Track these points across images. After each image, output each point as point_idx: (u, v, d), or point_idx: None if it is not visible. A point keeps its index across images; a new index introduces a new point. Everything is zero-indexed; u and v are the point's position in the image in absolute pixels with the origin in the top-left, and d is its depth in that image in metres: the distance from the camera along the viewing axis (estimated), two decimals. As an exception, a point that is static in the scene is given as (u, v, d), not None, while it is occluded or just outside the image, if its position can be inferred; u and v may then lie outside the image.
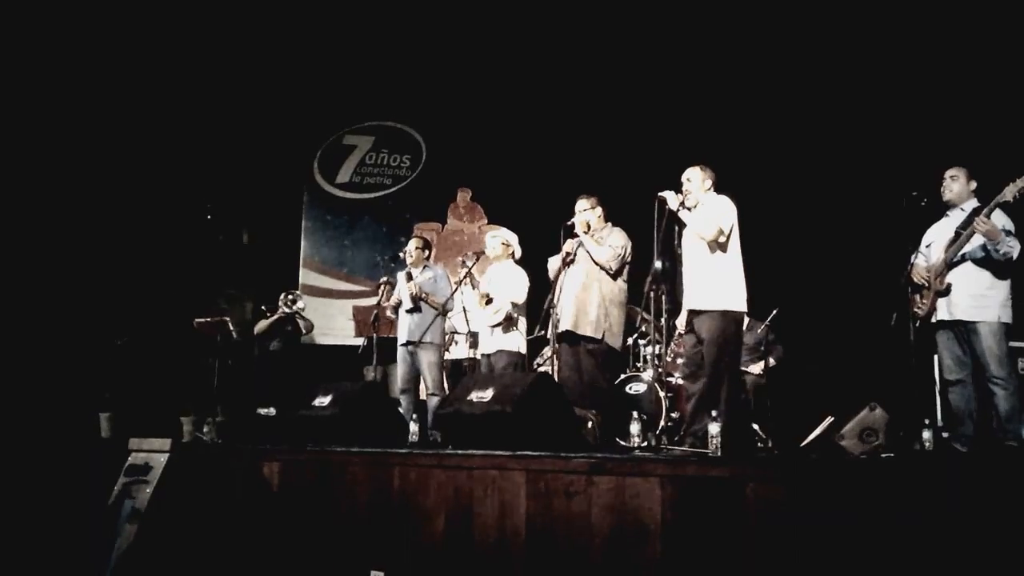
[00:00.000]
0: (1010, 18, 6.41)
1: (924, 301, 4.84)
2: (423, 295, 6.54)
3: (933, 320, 4.82)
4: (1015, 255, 4.57)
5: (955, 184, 4.86)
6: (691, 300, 4.92)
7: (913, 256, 4.96)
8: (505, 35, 8.68)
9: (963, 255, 4.71)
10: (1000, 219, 4.63)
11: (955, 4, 6.68)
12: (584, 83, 8.74)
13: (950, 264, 4.74)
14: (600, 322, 5.36)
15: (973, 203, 4.81)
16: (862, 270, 6.54)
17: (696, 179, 5.03)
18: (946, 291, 4.73)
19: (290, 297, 8.45)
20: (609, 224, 5.61)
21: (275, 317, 8.41)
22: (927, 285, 4.83)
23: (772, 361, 6.60)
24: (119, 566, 4.21)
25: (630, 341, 6.61)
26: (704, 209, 4.95)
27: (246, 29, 8.71)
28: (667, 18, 7.99)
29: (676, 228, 5.22)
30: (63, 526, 4.69)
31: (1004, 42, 6.48)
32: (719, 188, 5.08)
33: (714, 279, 4.84)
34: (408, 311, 6.64)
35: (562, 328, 5.42)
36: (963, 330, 4.67)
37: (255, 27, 8.72)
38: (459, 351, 7.21)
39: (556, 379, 5.53)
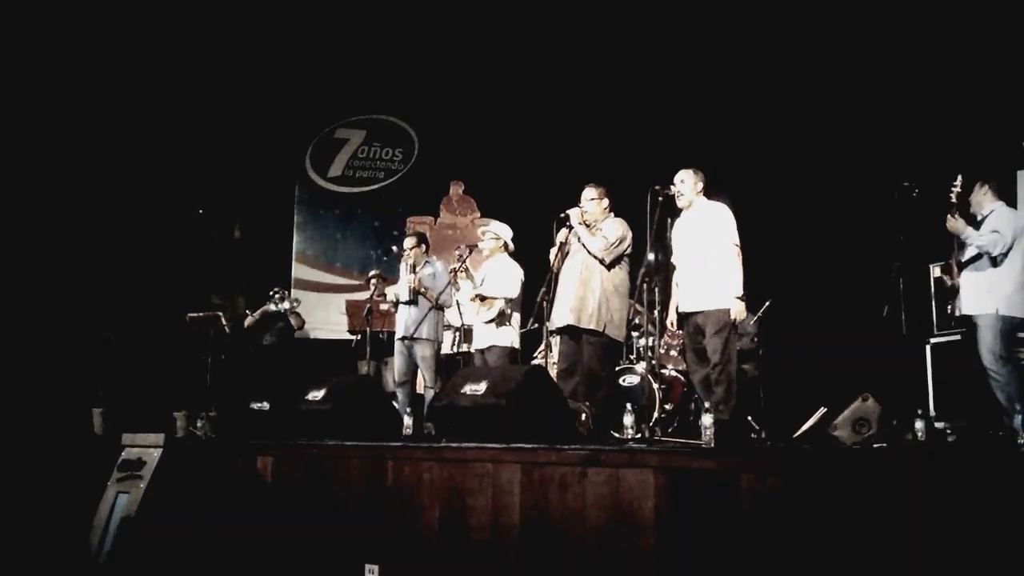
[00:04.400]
0: (1002, 11, 6.42)
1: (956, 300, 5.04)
2: (422, 289, 6.54)
3: (959, 314, 5.02)
4: (993, 250, 4.74)
5: (973, 197, 5.04)
6: (693, 301, 4.99)
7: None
8: (495, 27, 8.66)
9: (968, 254, 4.90)
10: (996, 213, 4.78)
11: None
12: (576, 74, 8.73)
13: (959, 264, 4.96)
14: (601, 314, 5.33)
15: (993, 206, 4.96)
16: (855, 261, 6.56)
17: (689, 181, 5.12)
18: (957, 290, 4.96)
19: (277, 295, 8.42)
20: (610, 214, 5.58)
21: (262, 309, 8.38)
22: (950, 284, 5.08)
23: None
24: (113, 562, 4.20)
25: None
26: (710, 220, 5.04)
27: (237, 24, 8.67)
28: (658, 10, 7.98)
29: (668, 221, 5.24)
30: (57, 522, 4.68)
31: (994, 32, 6.49)
32: (714, 181, 5.14)
33: (716, 278, 4.92)
34: (405, 303, 6.64)
35: (563, 323, 5.39)
36: (973, 324, 4.87)
37: (246, 21, 8.68)
38: (454, 346, 7.21)
39: (552, 371, 5.53)
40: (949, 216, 4.81)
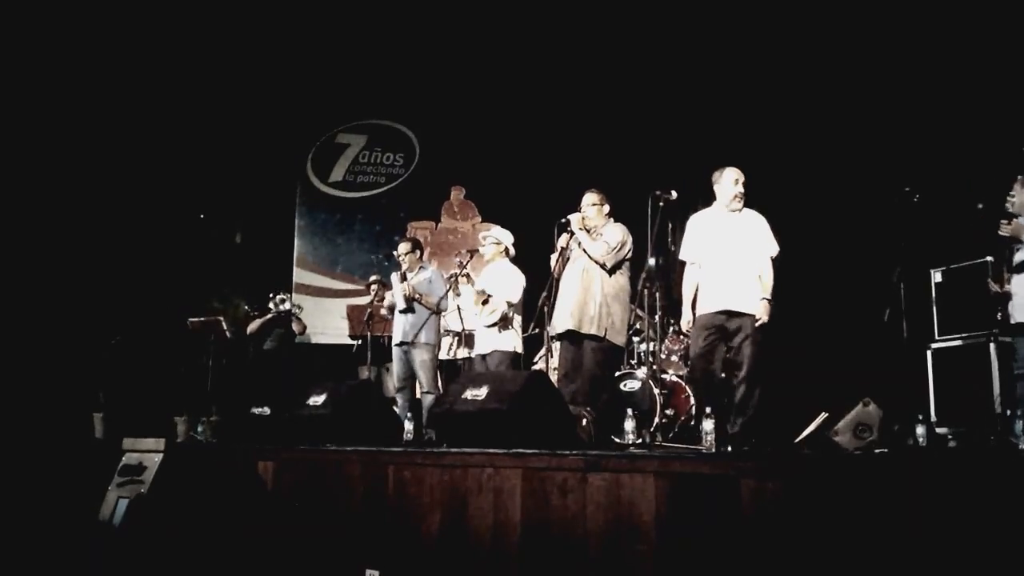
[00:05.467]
0: (1002, 16, 6.42)
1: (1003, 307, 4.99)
2: (416, 296, 6.53)
3: (1012, 321, 4.94)
4: None
5: (1015, 198, 4.94)
6: (730, 300, 4.99)
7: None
8: (496, 32, 8.68)
9: (1018, 258, 4.85)
10: None
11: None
12: (577, 80, 8.74)
13: (1011, 269, 4.89)
14: (602, 319, 5.32)
15: None
16: (856, 266, 6.55)
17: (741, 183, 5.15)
18: (1007, 296, 4.89)
19: (279, 297, 8.43)
20: (610, 220, 5.58)
21: (266, 317, 8.40)
22: (999, 291, 4.99)
23: None
24: (113, 566, 4.20)
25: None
26: (758, 226, 5.12)
27: (239, 29, 8.69)
28: (659, 17, 7.99)
29: (669, 226, 5.24)
30: (57, 526, 4.68)
31: (994, 37, 6.50)
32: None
33: (754, 283, 4.98)
34: (402, 312, 6.63)
35: (564, 328, 5.39)
36: None
37: (248, 26, 8.70)
38: (453, 352, 7.21)
39: (552, 377, 5.53)
40: (1003, 222, 4.76)
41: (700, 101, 7.95)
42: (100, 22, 8.15)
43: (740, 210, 5.11)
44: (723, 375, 5.25)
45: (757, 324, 4.93)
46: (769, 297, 4.98)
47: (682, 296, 5.30)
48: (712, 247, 5.11)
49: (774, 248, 5.10)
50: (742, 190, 5.08)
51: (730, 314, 4.98)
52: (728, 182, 5.10)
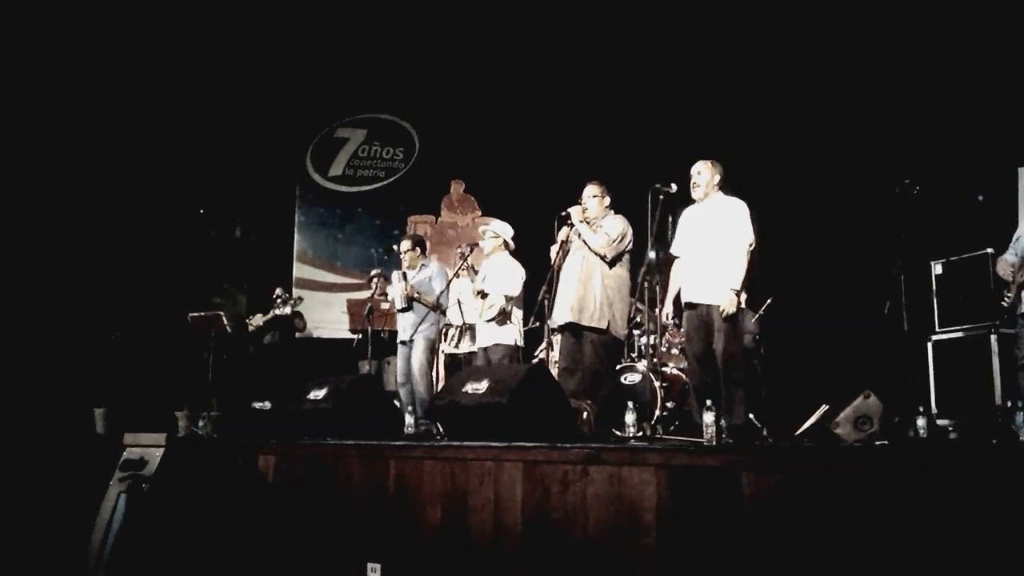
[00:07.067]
0: (1003, 9, 6.41)
1: (1009, 294, 4.95)
2: (416, 296, 6.55)
3: (1019, 312, 4.96)
4: None
5: None
6: (697, 292, 4.94)
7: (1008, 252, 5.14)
8: (496, 26, 8.67)
9: None
10: None
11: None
12: (577, 73, 8.72)
13: None
14: (604, 312, 5.30)
15: None
16: (856, 258, 6.55)
17: (707, 173, 5.02)
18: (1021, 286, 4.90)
19: (279, 300, 8.44)
20: (611, 212, 5.57)
21: (266, 319, 8.40)
22: (1011, 279, 4.98)
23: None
24: (114, 561, 4.21)
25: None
26: (726, 214, 4.96)
27: (238, 23, 8.68)
28: (659, 10, 7.98)
29: (669, 219, 5.22)
30: (58, 522, 4.69)
31: (995, 29, 6.49)
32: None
33: (723, 275, 4.87)
34: (400, 311, 6.65)
35: (564, 320, 5.37)
36: None
37: (247, 21, 8.69)
38: (454, 345, 7.20)
39: (553, 370, 5.53)
40: None
41: (701, 93, 7.95)
42: (99, 19, 8.14)
43: (704, 199, 5.04)
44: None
45: (722, 315, 4.78)
46: (737, 287, 4.81)
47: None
48: (685, 239, 5.12)
49: (746, 237, 4.91)
50: (696, 180, 5.02)
51: (692, 306, 4.93)
52: (692, 174, 5.09)
